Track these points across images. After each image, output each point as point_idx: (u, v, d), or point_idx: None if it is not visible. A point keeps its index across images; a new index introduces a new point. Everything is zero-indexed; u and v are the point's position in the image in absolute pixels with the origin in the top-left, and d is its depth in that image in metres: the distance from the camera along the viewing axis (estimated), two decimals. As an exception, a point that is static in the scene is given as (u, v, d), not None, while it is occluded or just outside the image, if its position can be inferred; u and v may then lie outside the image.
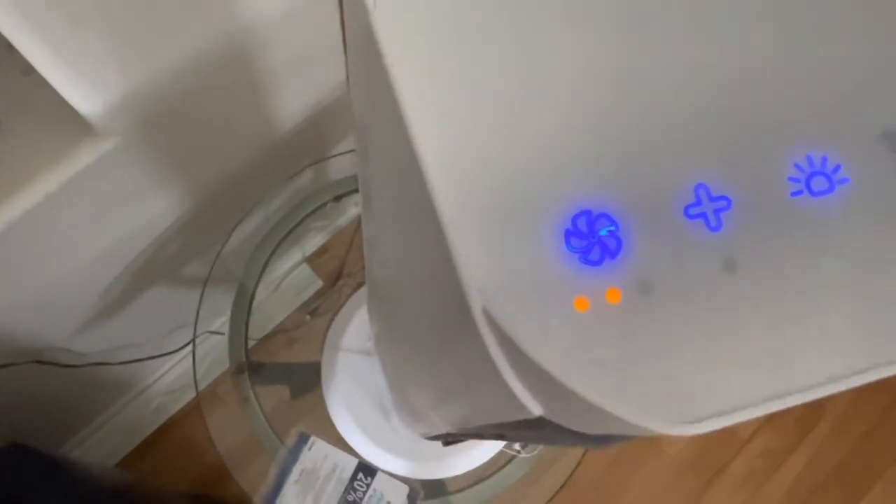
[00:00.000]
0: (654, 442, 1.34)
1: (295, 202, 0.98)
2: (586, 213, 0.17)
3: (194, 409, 1.28)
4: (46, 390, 0.93)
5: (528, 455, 0.85)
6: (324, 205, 0.93)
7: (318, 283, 1.39)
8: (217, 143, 0.80)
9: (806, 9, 0.18)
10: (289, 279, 1.24)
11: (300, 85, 0.83)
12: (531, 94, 0.18)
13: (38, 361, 0.82)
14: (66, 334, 0.87)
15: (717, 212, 0.17)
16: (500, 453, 0.83)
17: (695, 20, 0.18)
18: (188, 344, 1.15)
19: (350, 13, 0.20)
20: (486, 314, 0.15)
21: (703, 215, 0.17)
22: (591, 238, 0.16)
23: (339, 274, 1.30)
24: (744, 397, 0.16)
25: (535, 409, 0.18)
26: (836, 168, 0.18)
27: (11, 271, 0.70)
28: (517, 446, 0.83)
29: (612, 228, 0.17)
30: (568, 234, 0.17)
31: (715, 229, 0.17)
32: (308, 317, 1.34)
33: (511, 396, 0.18)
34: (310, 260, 1.37)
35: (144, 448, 1.26)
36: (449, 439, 0.54)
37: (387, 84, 0.17)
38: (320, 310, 1.35)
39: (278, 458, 0.78)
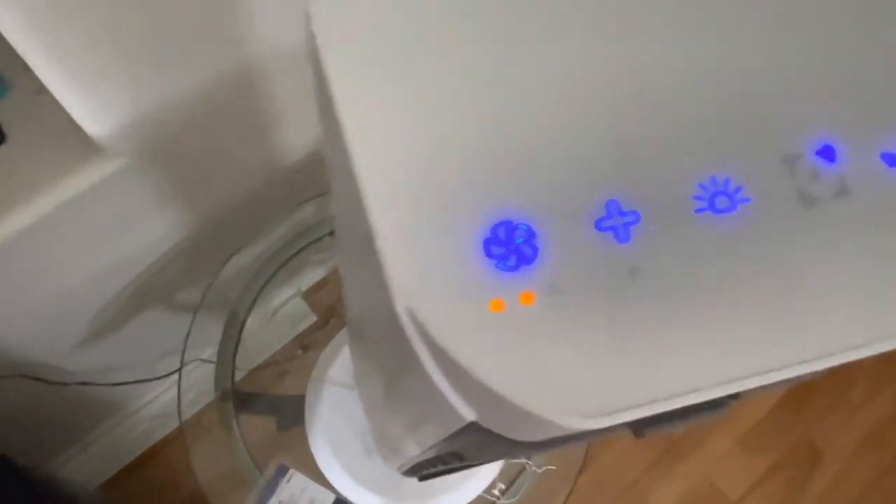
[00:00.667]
0: (640, 497, 1.33)
1: (295, 233, 0.99)
2: (506, 223, 0.18)
3: (179, 437, 1.28)
4: (32, 406, 0.94)
5: (508, 502, 0.84)
6: (321, 238, 0.94)
7: (313, 317, 1.39)
8: (220, 172, 0.82)
9: (715, 30, 0.20)
10: (284, 311, 1.25)
11: (306, 119, 0.85)
12: (458, 107, 0.19)
13: (24, 376, 0.82)
14: (56, 351, 0.88)
15: (626, 225, 0.19)
16: (479, 497, 0.83)
17: (603, 39, 0.20)
18: (177, 370, 1.16)
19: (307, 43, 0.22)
20: (409, 312, 0.17)
21: (613, 228, 0.19)
22: (509, 246, 0.18)
23: (333, 310, 1.30)
24: (643, 395, 0.17)
25: (467, 413, 0.19)
26: (738, 188, 0.19)
27: (7, 283, 0.71)
28: (496, 491, 0.82)
29: (530, 237, 0.18)
30: (487, 243, 0.18)
31: (623, 241, 0.19)
32: (300, 351, 1.34)
33: (442, 398, 0.19)
34: (307, 294, 1.38)
35: (128, 472, 1.25)
36: (423, 473, 0.54)
37: (327, 85, 0.19)
38: (313, 344, 1.36)
39: (256, 489, 0.78)
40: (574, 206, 0.18)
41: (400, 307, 0.17)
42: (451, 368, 0.17)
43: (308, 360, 1.20)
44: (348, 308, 0.36)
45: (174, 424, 1.27)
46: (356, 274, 0.26)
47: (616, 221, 0.18)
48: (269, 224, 0.94)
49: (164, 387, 1.22)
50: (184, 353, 0.83)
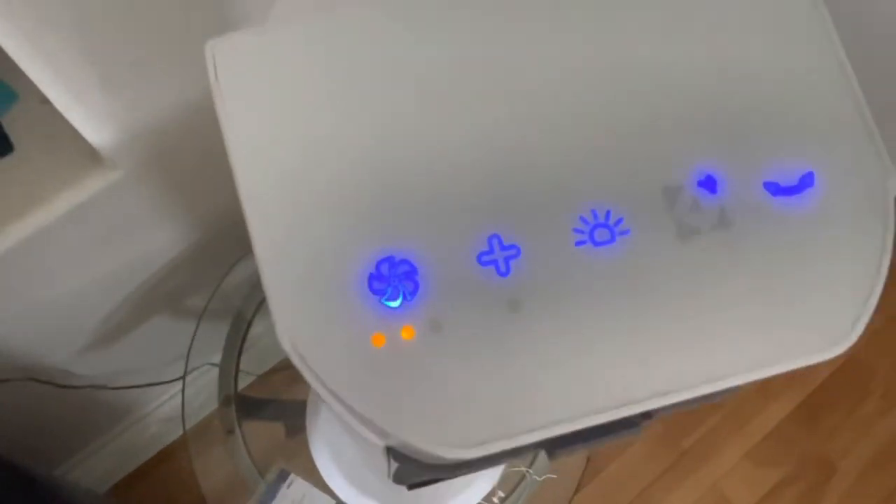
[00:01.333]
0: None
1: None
2: (389, 259, 0.19)
3: (187, 441, 1.29)
4: (42, 409, 0.95)
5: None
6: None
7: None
8: (223, 178, 0.83)
9: (595, 58, 0.20)
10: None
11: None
12: (348, 151, 0.20)
13: (33, 379, 0.84)
14: (65, 355, 0.89)
15: (507, 259, 0.19)
16: (481, 506, 0.83)
17: (480, 69, 0.21)
18: (188, 373, 1.17)
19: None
20: (292, 345, 0.17)
21: (494, 262, 0.19)
22: (391, 282, 0.18)
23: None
24: (517, 426, 0.17)
25: (374, 439, 0.20)
26: (619, 221, 0.19)
27: (16, 289, 0.73)
28: (496, 499, 0.82)
29: (412, 273, 0.18)
30: (371, 278, 0.18)
31: (504, 274, 0.19)
32: (309, 356, 1.35)
33: (351, 426, 0.20)
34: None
35: (137, 476, 1.26)
36: (410, 482, 0.54)
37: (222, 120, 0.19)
38: (323, 350, 1.36)
39: (257, 494, 0.79)
40: (456, 241, 0.18)
41: (284, 340, 0.18)
42: (341, 402, 0.18)
43: (317, 366, 1.20)
44: None
45: (181, 430, 1.28)
46: None
47: (497, 256, 0.18)
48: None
49: (174, 391, 1.23)
50: (188, 359, 0.84)
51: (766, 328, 0.19)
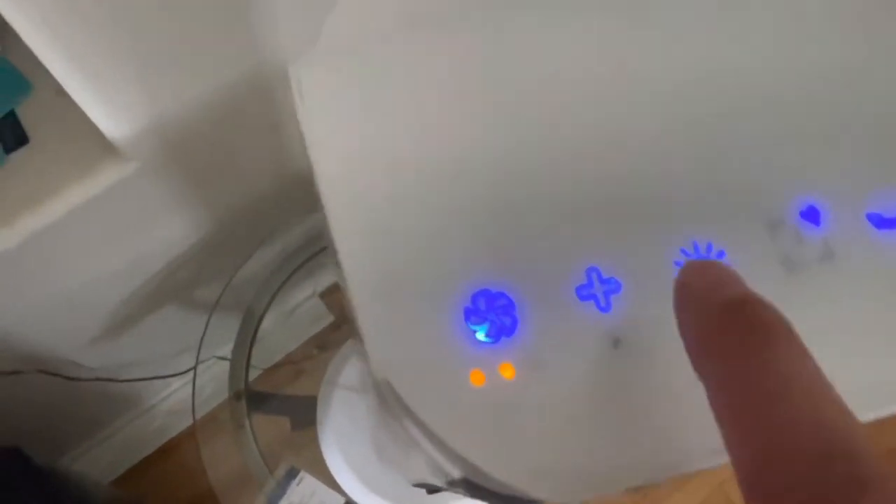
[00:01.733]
0: (654, 509, 1.32)
1: (312, 235, 1.00)
2: (485, 292, 0.18)
3: (194, 433, 1.29)
4: (50, 401, 0.95)
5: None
6: (337, 241, 0.94)
7: (330, 318, 1.40)
8: (238, 173, 0.82)
9: (695, 90, 0.19)
10: (302, 310, 1.25)
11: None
12: (439, 178, 0.19)
13: (43, 371, 0.84)
14: (74, 347, 0.89)
15: (606, 293, 0.18)
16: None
17: (586, 112, 0.20)
18: (194, 368, 1.17)
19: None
20: (387, 385, 0.16)
21: (593, 297, 0.18)
22: (489, 316, 0.17)
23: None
24: (623, 472, 0.17)
25: (453, 471, 0.19)
26: (720, 254, 0.18)
27: (27, 281, 0.72)
28: None
29: (509, 308, 0.18)
30: (468, 312, 0.18)
31: (604, 310, 0.18)
32: (316, 351, 1.35)
33: (429, 459, 0.19)
34: (324, 295, 1.38)
35: (143, 467, 1.26)
36: (430, 489, 0.54)
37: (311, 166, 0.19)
38: (329, 344, 1.36)
39: (266, 490, 0.78)
40: (553, 273, 0.18)
41: (378, 378, 0.17)
42: (431, 437, 0.17)
43: (324, 360, 1.20)
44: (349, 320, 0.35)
45: (189, 420, 1.28)
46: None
47: (597, 290, 0.18)
48: (285, 226, 0.95)
49: (181, 383, 1.23)
50: (199, 350, 0.84)
51: (881, 363, 0.18)
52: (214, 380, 0.95)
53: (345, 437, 0.81)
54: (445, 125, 0.20)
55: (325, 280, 1.36)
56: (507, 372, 0.17)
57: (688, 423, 0.17)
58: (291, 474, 0.78)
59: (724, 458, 0.17)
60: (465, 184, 0.19)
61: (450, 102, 0.20)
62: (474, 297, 0.18)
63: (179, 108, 0.64)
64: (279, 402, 1.02)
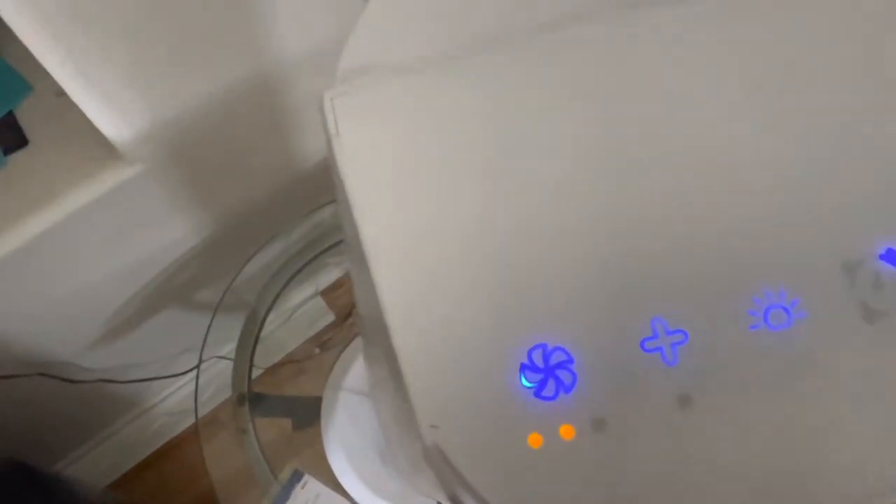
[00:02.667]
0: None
1: (313, 236, 0.99)
2: (542, 346, 0.17)
3: (195, 434, 1.28)
4: (50, 404, 0.94)
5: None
6: (340, 242, 0.94)
7: (331, 317, 1.39)
8: (238, 175, 0.81)
9: (768, 128, 0.18)
10: (302, 310, 1.25)
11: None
12: (491, 233, 0.18)
13: (43, 374, 0.83)
14: (74, 349, 0.88)
15: (673, 346, 0.17)
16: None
17: (655, 160, 0.18)
18: (195, 368, 1.16)
19: (321, 119, 0.21)
20: (437, 449, 0.15)
21: (659, 349, 0.17)
22: (546, 372, 0.16)
23: (350, 310, 1.30)
24: None
25: None
26: (794, 302, 0.17)
27: (29, 284, 0.71)
28: None
29: (568, 362, 0.16)
30: (523, 368, 0.16)
31: (671, 363, 0.16)
32: (317, 349, 1.34)
33: None
34: (324, 293, 1.37)
35: (142, 468, 1.25)
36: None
37: (351, 215, 0.17)
38: (330, 343, 1.35)
39: (270, 494, 0.77)
40: (615, 325, 0.16)
41: (428, 444, 0.15)
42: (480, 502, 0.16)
43: (325, 359, 1.19)
44: (363, 327, 0.34)
45: (190, 421, 1.28)
46: (375, 329, 0.25)
47: (662, 342, 0.16)
48: (287, 227, 0.94)
49: (181, 383, 1.23)
50: (202, 352, 0.83)
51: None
52: (215, 379, 0.94)
53: (349, 440, 0.81)
54: (498, 173, 0.18)
55: (325, 279, 1.35)
56: (567, 433, 0.16)
57: (767, 489, 0.16)
58: (296, 478, 0.77)
59: None
60: (520, 235, 0.18)
61: (502, 146, 0.18)
62: (530, 353, 0.16)
63: (181, 111, 0.63)
64: (280, 403, 1.01)
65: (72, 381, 0.89)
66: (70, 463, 1.13)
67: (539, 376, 0.16)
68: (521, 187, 0.18)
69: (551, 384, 0.16)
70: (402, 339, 0.16)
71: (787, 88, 0.19)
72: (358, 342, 0.90)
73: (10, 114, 0.64)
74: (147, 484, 1.24)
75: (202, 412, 0.96)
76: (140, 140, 0.62)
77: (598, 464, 0.15)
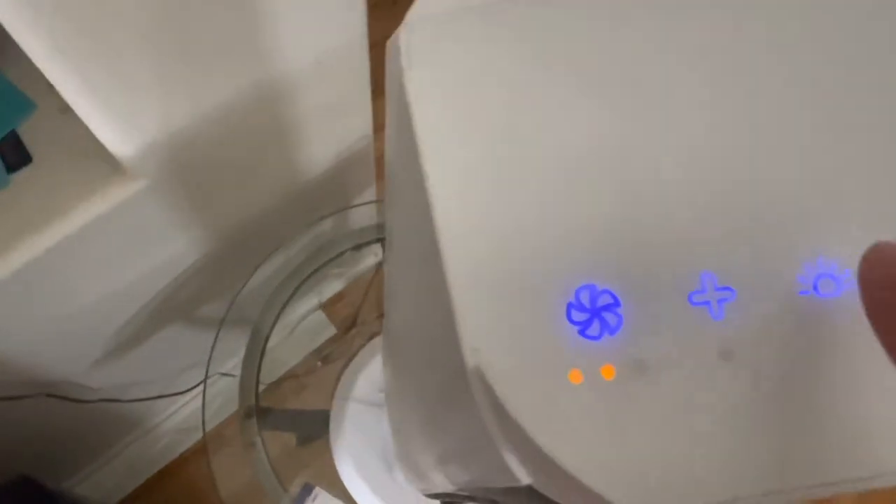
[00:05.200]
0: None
1: (314, 249, 0.99)
2: (590, 287, 0.17)
3: (200, 451, 1.27)
4: (56, 423, 0.94)
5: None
6: (342, 253, 0.94)
7: (332, 330, 1.39)
8: (242, 188, 0.81)
9: (844, 104, 0.18)
10: (303, 325, 1.24)
11: (326, 134, 0.85)
12: (551, 169, 0.18)
13: (49, 395, 0.82)
14: (79, 368, 0.87)
15: (720, 301, 0.17)
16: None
17: (722, 106, 0.18)
18: (199, 384, 1.15)
19: (390, 67, 0.21)
20: (478, 373, 0.16)
21: (706, 303, 0.17)
22: (593, 313, 0.16)
23: (352, 322, 1.30)
24: (724, 488, 0.16)
25: (523, 476, 0.18)
26: (847, 272, 0.17)
27: (33, 303, 0.71)
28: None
29: (615, 305, 0.17)
30: (570, 307, 0.17)
31: (716, 318, 0.17)
32: (319, 363, 1.34)
33: (500, 460, 0.18)
34: (325, 306, 1.37)
35: (149, 487, 1.25)
36: (446, 500, 0.53)
37: (413, 143, 0.18)
38: (332, 356, 1.35)
39: (281, 508, 0.77)
40: (664, 274, 0.16)
41: (469, 366, 0.16)
42: (516, 435, 0.16)
43: (327, 372, 1.19)
44: (392, 327, 0.34)
45: (194, 438, 1.27)
46: (413, 303, 0.25)
47: (710, 296, 0.16)
48: (288, 240, 0.94)
49: (184, 401, 1.22)
50: (208, 368, 0.83)
51: None
52: (218, 396, 0.94)
53: (358, 451, 0.81)
54: (572, 108, 0.18)
55: (327, 291, 1.35)
56: (608, 373, 0.16)
57: (793, 446, 0.16)
58: (306, 491, 0.77)
59: (829, 493, 0.16)
60: (576, 172, 0.18)
61: (579, 86, 0.18)
62: (578, 292, 0.16)
63: (186, 123, 0.63)
64: (286, 417, 1.01)
65: (77, 401, 0.88)
66: (78, 482, 1.12)
67: (585, 315, 0.16)
68: (594, 124, 0.19)
69: (596, 324, 0.16)
70: (454, 258, 0.17)
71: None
72: (364, 353, 0.90)
73: (14, 132, 0.65)
74: (154, 502, 1.23)
75: (207, 428, 0.96)
76: (145, 154, 0.62)
77: (635, 406, 0.16)
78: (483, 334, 0.16)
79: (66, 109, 0.65)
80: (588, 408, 0.16)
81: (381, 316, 1.11)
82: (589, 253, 0.17)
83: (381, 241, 0.98)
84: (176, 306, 0.94)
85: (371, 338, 0.92)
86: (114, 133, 0.58)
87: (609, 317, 0.16)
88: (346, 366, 0.90)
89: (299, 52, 0.66)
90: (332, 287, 1.33)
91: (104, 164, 0.63)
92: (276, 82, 0.68)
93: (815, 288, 0.17)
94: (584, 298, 0.16)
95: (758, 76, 0.19)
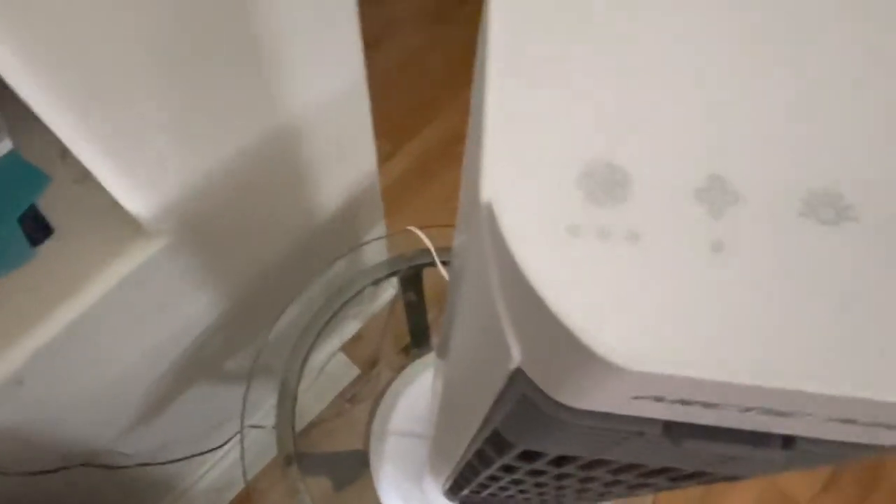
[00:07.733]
0: (710, 515, 1.30)
1: (333, 290, 0.99)
2: (608, 162, 0.19)
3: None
4: (93, 493, 0.93)
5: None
6: (361, 290, 0.94)
7: (355, 371, 1.38)
8: (259, 234, 0.82)
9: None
10: (326, 369, 1.24)
11: (333, 174, 0.86)
12: (604, 44, 0.19)
13: (86, 464, 0.82)
14: (111, 436, 0.87)
15: (723, 203, 0.18)
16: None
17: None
18: (230, 440, 1.15)
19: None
20: (488, 207, 0.17)
21: (710, 201, 0.18)
22: (602, 184, 0.18)
23: (375, 359, 1.30)
24: (693, 361, 0.16)
25: (514, 348, 0.19)
26: (849, 207, 0.18)
27: (64, 374, 0.71)
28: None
29: (625, 183, 0.18)
30: (584, 175, 0.18)
31: (716, 217, 0.18)
32: (347, 405, 1.33)
33: (495, 324, 0.19)
34: (345, 348, 1.37)
35: (187, 551, 1.23)
36: (465, 493, 0.53)
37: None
38: (359, 397, 1.35)
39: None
40: (678, 167, 0.18)
41: (483, 197, 0.17)
42: (510, 276, 0.17)
43: (355, 414, 1.18)
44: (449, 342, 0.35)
45: (230, 496, 1.26)
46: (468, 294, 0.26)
47: (714, 196, 0.18)
48: (306, 284, 0.95)
49: (216, 458, 1.22)
50: (242, 419, 0.83)
51: None
52: (250, 449, 0.93)
53: (403, 485, 0.80)
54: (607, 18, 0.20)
55: (346, 332, 1.35)
56: (603, 235, 0.17)
57: (768, 345, 0.17)
58: (355, 531, 0.76)
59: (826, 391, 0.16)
60: (625, 59, 0.19)
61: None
62: (595, 163, 0.18)
63: (203, 177, 0.64)
64: (320, 462, 1.01)
65: (112, 467, 0.88)
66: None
67: (595, 184, 0.18)
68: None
69: (603, 194, 0.18)
70: (496, 104, 0.18)
71: None
72: (395, 387, 0.90)
73: (33, 206, 0.66)
74: (195, 565, 1.22)
75: (242, 485, 0.95)
76: (164, 213, 0.63)
77: (623, 268, 0.17)
78: (502, 175, 0.17)
79: (80, 179, 0.66)
80: (581, 264, 0.17)
81: (403, 349, 1.11)
82: (615, 130, 0.18)
83: (395, 273, 0.98)
84: (200, 362, 0.95)
85: (399, 370, 0.92)
86: (133, 195, 0.59)
87: (617, 191, 0.17)
88: (377, 402, 0.90)
89: (305, 97, 0.68)
90: (350, 328, 1.33)
91: (125, 226, 0.64)
92: (283, 129, 0.69)
93: (815, 213, 0.18)
94: (599, 170, 0.18)
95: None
